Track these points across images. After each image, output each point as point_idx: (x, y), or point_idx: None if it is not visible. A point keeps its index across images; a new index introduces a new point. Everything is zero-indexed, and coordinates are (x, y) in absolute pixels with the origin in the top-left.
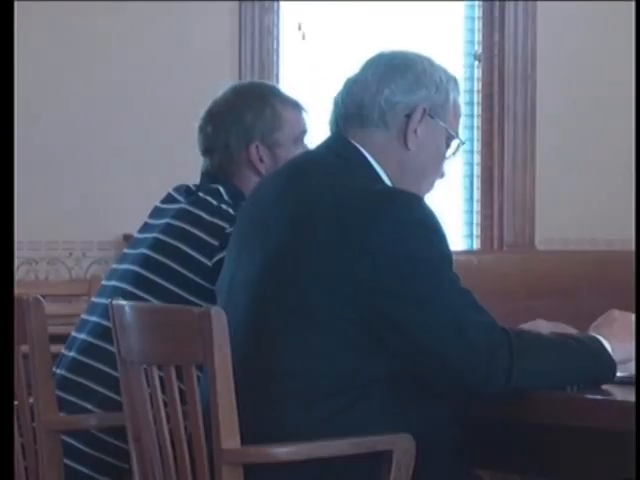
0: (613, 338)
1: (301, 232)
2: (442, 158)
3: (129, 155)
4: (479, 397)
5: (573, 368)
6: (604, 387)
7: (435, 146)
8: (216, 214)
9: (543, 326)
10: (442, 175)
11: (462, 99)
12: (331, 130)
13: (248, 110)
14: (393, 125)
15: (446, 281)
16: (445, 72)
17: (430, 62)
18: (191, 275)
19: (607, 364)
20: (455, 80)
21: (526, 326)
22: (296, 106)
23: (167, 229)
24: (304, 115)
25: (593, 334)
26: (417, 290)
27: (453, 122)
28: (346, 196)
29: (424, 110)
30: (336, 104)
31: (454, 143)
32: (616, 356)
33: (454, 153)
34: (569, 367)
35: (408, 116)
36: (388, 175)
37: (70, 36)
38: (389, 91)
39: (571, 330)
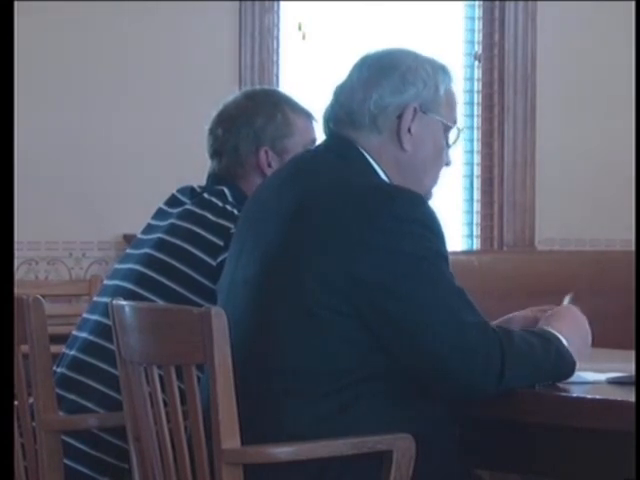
0: (566, 333)
1: (299, 230)
2: (442, 150)
3: (129, 155)
4: (471, 397)
5: (547, 368)
6: (604, 387)
7: (432, 141)
8: (221, 215)
9: (515, 321)
10: (448, 163)
11: (457, 85)
12: (325, 134)
13: (259, 115)
14: (385, 128)
15: (444, 280)
16: (432, 63)
17: (415, 57)
18: (195, 275)
19: (571, 363)
20: (443, 68)
21: (497, 322)
22: (307, 115)
23: (171, 229)
24: (314, 124)
25: (551, 330)
26: (416, 289)
27: (448, 112)
28: (345, 192)
29: (414, 108)
30: (326, 112)
31: (453, 131)
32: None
33: (455, 141)
34: (544, 367)
35: (399, 117)
36: (387, 175)
37: (70, 35)
38: (377, 95)
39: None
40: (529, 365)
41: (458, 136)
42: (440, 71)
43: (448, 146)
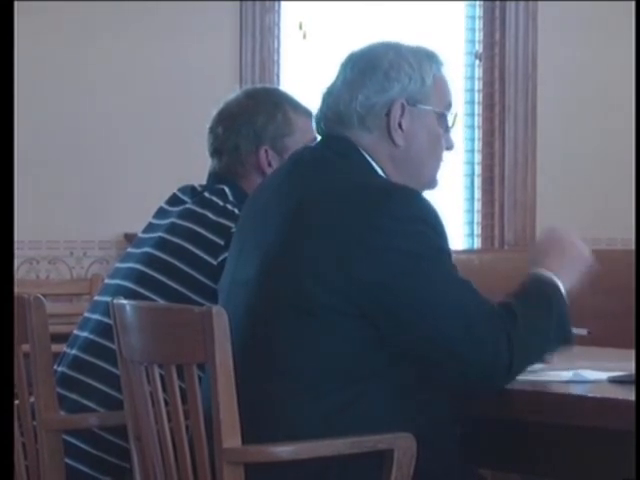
0: (560, 271)
1: (299, 230)
2: (439, 137)
3: (130, 154)
4: (481, 390)
5: (551, 344)
6: (605, 386)
7: (426, 131)
8: (222, 214)
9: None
10: (449, 148)
11: (447, 68)
12: (320, 135)
13: (260, 114)
14: (375, 127)
15: (447, 275)
16: (415, 54)
17: (397, 51)
18: (196, 274)
19: (569, 331)
20: (429, 56)
21: None
22: (308, 114)
23: (172, 228)
24: (315, 123)
25: (546, 277)
26: (420, 286)
27: (439, 99)
28: (344, 193)
29: (402, 104)
30: (316, 115)
31: (450, 116)
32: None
33: (452, 125)
34: (549, 345)
35: (388, 114)
36: (384, 171)
37: (70, 35)
38: (362, 96)
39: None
40: (535, 349)
41: (455, 119)
42: (425, 61)
43: (447, 131)
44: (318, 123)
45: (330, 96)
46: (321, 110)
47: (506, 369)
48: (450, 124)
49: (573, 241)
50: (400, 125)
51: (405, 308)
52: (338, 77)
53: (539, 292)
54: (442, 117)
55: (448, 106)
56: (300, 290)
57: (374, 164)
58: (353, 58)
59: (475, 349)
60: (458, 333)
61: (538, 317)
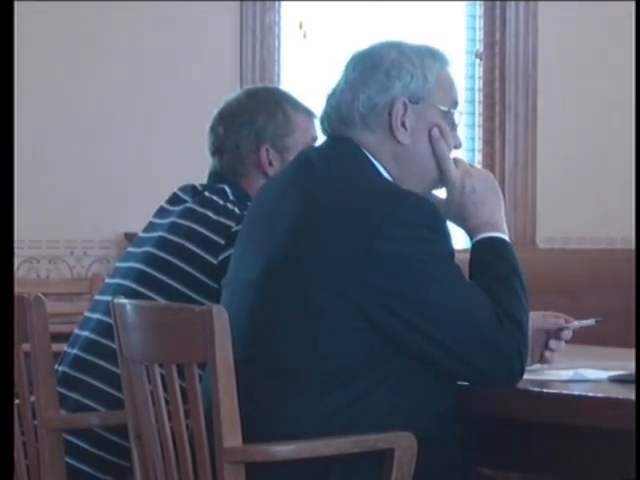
0: (500, 220)
1: (306, 233)
2: (445, 135)
3: (130, 154)
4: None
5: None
6: (606, 385)
7: (431, 129)
8: (222, 213)
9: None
10: (457, 146)
11: (452, 66)
12: (325, 135)
13: (260, 113)
14: (378, 126)
15: (455, 280)
16: (418, 52)
17: (399, 50)
18: (196, 273)
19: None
20: (432, 54)
21: None
22: (308, 113)
23: (173, 228)
24: (315, 122)
25: (499, 238)
26: (428, 291)
27: (443, 97)
28: (350, 198)
29: (404, 102)
30: (321, 116)
31: (455, 113)
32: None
33: (457, 123)
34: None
35: (390, 113)
36: (388, 171)
37: (71, 33)
38: (364, 96)
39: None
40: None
41: (460, 117)
42: (428, 59)
43: (453, 129)
44: (322, 124)
45: (333, 97)
46: (325, 111)
47: (519, 370)
48: (457, 122)
49: (488, 187)
50: (403, 124)
51: (413, 313)
52: (341, 77)
53: (512, 276)
54: (447, 115)
55: (454, 104)
56: (303, 293)
57: (377, 165)
58: (356, 58)
59: (489, 354)
60: (471, 339)
61: (524, 309)
